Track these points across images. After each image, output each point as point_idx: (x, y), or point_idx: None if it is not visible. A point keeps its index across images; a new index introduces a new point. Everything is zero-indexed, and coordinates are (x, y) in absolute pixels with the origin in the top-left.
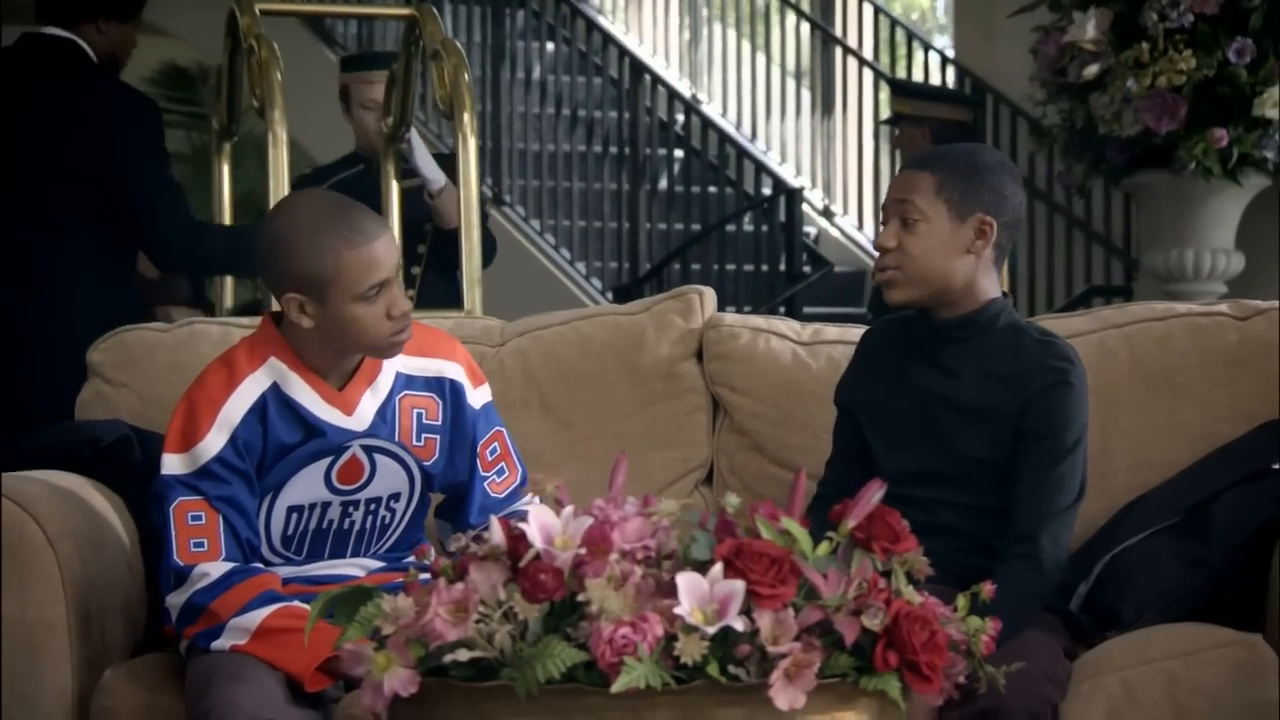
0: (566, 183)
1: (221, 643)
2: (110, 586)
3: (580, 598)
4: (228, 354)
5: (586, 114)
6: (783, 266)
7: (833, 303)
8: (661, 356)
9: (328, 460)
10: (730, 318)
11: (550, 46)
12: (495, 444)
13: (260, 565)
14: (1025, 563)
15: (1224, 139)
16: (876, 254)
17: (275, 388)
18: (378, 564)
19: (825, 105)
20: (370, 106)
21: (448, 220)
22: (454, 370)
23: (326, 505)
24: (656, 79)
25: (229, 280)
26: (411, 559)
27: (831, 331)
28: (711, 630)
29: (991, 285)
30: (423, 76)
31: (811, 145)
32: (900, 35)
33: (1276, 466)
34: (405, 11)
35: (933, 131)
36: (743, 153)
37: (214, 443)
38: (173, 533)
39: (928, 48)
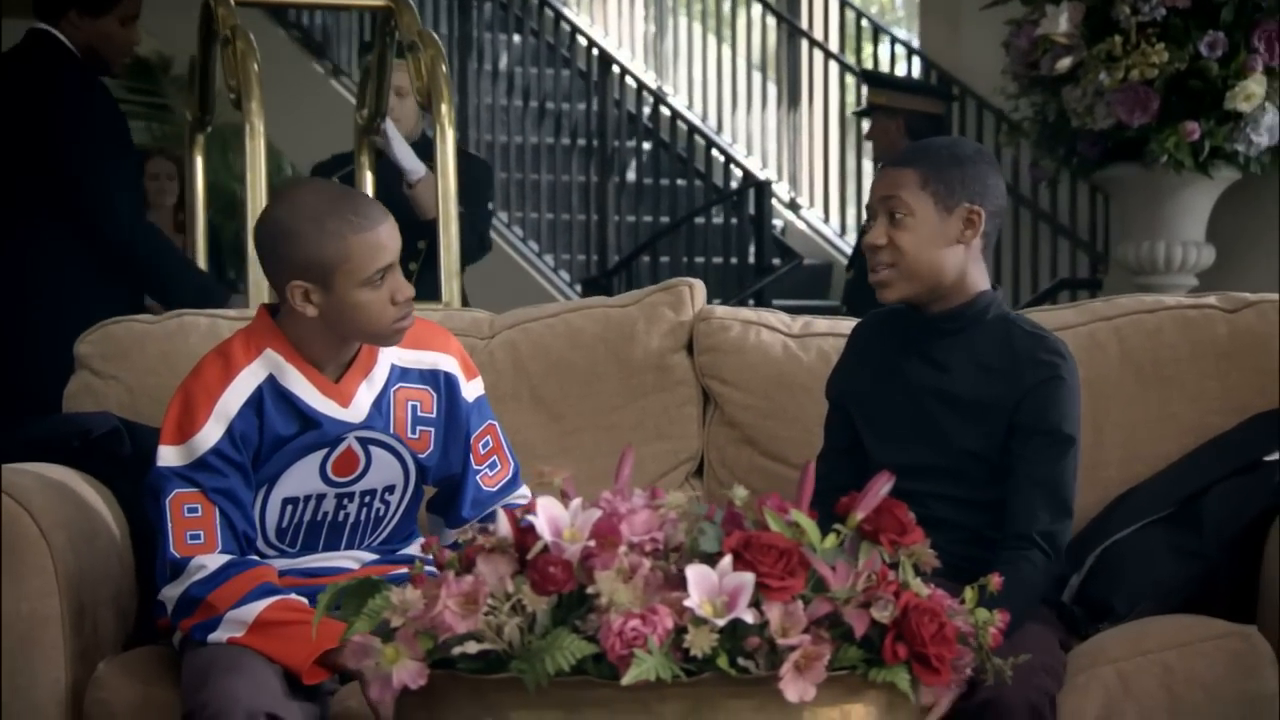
0: (535, 175)
1: (218, 635)
2: (102, 579)
3: (589, 590)
4: (223, 346)
5: (555, 106)
6: (752, 259)
7: (800, 295)
8: (652, 349)
9: (323, 452)
10: (721, 310)
11: (517, 39)
12: (488, 437)
13: (256, 558)
14: (1025, 556)
15: (1196, 132)
16: (851, 250)
17: (271, 379)
18: (372, 556)
19: (791, 98)
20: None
21: (426, 211)
22: (448, 363)
23: (321, 497)
24: (625, 71)
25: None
26: (405, 551)
27: (822, 324)
28: (721, 622)
29: (981, 277)
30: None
31: (778, 138)
32: (866, 28)
33: (1268, 458)
34: (380, 3)
35: (907, 124)
36: (712, 145)
37: (211, 435)
38: (169, 525)
39: (894, 40)
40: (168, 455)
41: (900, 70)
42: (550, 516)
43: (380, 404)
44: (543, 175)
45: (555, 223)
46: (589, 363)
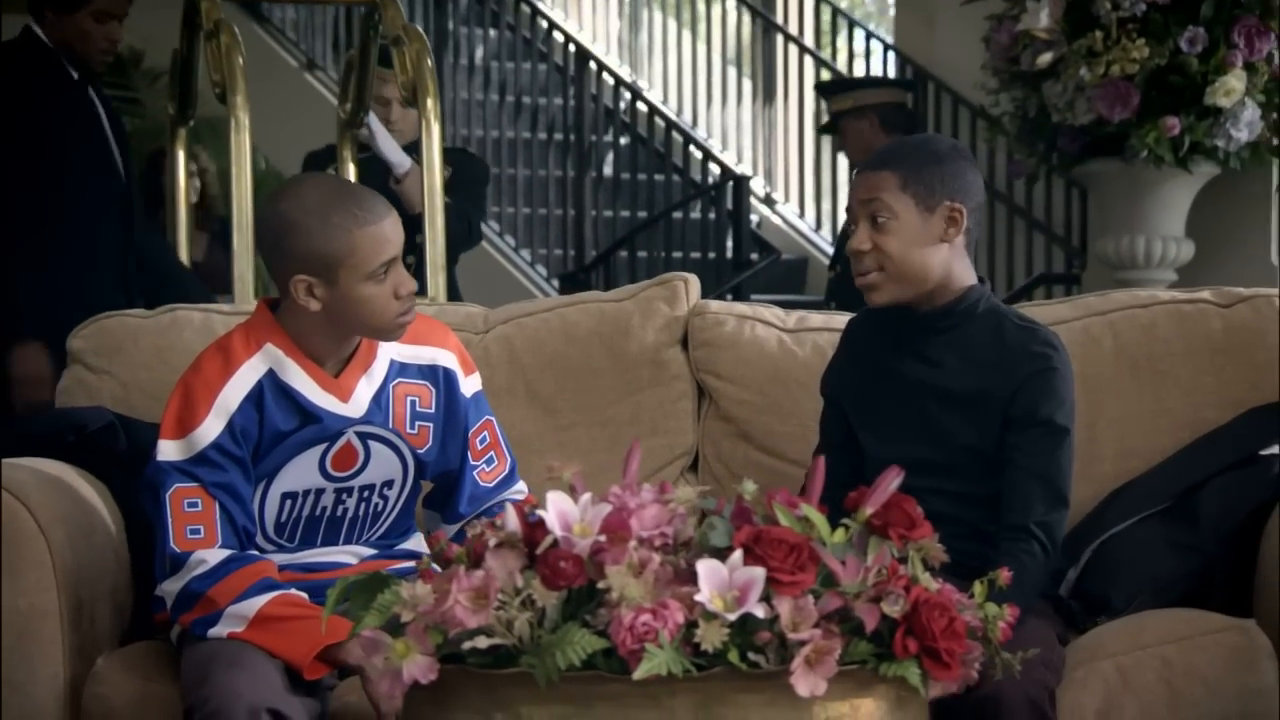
0: (511, 169)
1: (218, 630)
2: (99, 574)
3: (600, 585)
4: (223, 340)
5: (531, 101)
6: (729, 254)
7: (776, 290)
8: (647, 343)
9: (323, 447)
10: (715, 305)
11: (493, 33)
12: (485, 433)
13: (257, 553)
14: (1023, 549)
15: (1176, 127)
16: (832, 248)
17: (271, 374)
18: (370, 551)
19: (766, 93)
20: (381, 102)
21: (414, 205)
22: (447, 358)
23: (320, 492)
24: (602, 66)
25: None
26: (403, 546)
27: (816, 319)
28: (732, 617)
29: (967, 272)
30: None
31: (752, 133)
32: (842, 23)
33: (1264, 453)
34: None
35: (880, 118)
36: (689, 140)
37: (211, 429)
38: (169, 519)
39: (869, 35)
40: (167, 450)
41: (875, 66)
42: (560, 511)
43: (380, 399)
44: (519, 170)
45: (532, 217)
46: (584, 357)
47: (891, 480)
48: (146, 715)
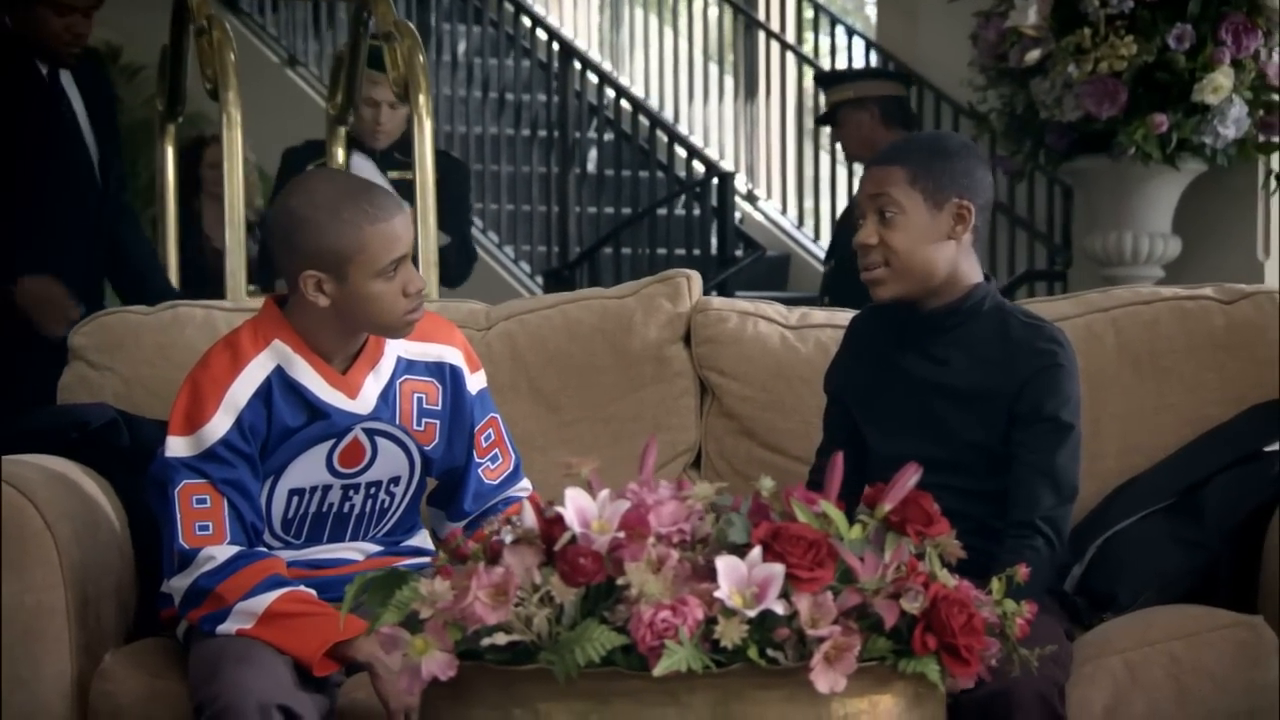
0: (494, 166)
1: (227, 626)
2: (105, 571)
3: (619, 581)
4: (231, 337)
5: (514, 97)
6: (714, 250)
7: (760, 287)
8: (650, 340)
9: (330, 443)
10: (718, 301)
11: (476, 29)
12: (490, 430)
13: (265, 549)
14: (1029, 544)
15: (1164, 124)
16: (818, 241)
17: (280, 370)
18: (376, 548)
19: (748, 90)
20: (370, 104)
21: None
22: (453, 355)
23: (327, 488)
24: (585, 62)
25: None
26: (408, 543)
27: (819, 315)
28: (752, 613)
29: (973, 270)
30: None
31: (734, 129)
32: (824, 20)
33: (1268, 449)
34: None
35: (881, 110)
36: (673, 136)
37: (220, 425)
38: (177, 515)
39: (851, 32)
40: (176, 446)
41: (857, 60)
42: (579, 507)
43: (387, 395)
44: (503, 166)
45: (516, 214)
46: (587, 354)
47: (910, 477)
48: (154, 712)
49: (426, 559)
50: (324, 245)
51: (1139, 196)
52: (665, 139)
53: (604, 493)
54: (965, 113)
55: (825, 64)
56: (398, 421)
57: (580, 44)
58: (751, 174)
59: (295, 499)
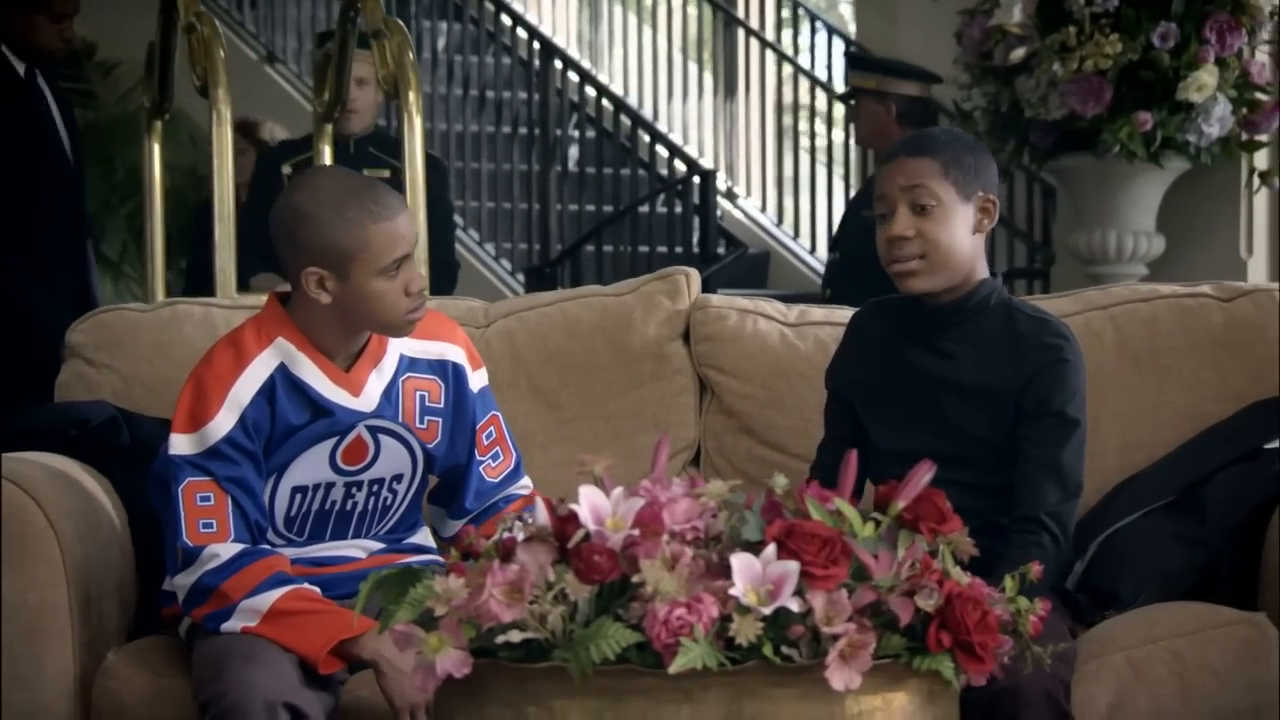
0: (475, 163)
1: (232, 624)
2: (106, 569)
3: (635, 579)
4: (234, 334)
5: (495, 94)
6: (696, 248)
7: (740, 284)
8: (649, 337)
9: (334, 441)
10: (717, 299)
11: (456, 26)
12: (491, 428)
13: (269, 547)
14: (1035, 540)
15: (1149, 122)
16: (790, 243)
17: (283, 368)
18: (378, 545)
19: (727, 87)
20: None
21: None
22: (456, 353)
23: (330, 486)
24: (566, 60)
25: None
26: (410, 540)
27: (818, 313)
28: (767, 611)
29: (982, 265)
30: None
31: (714, 127)
32: (803, 17)
33: (1268, 446)
34: None
35: (898, 107)
36: (654, 134)
37: (223, 423)
38: (181, 513)
39: (831, 31)
40: (180, 443)
41: (837, 60)
42: (592, 505)
43: (390, 393)
44: (483, 164)
45: (496, 211)
46: (586, 351)
47: (924, 474)
48: (158, 710)
49: (428, 556)
50: (327, 242)
51: (1123, 194)
52: (647, 137)
53: (618, 490)
54: (947, 112)
55: (805, 62)
56: (400, 419)
57: (559, 41)
58: (731, 172)
59: (298, 496)
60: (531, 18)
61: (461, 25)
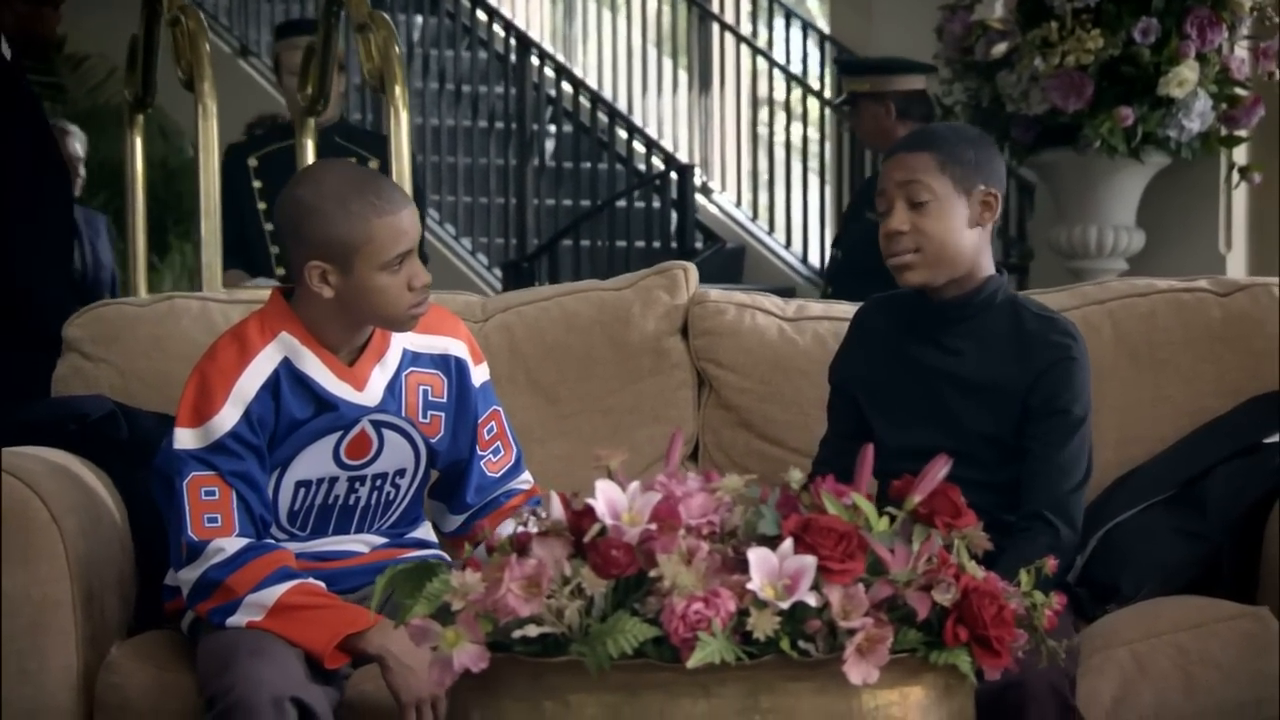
0: (451, 158)
1: (237, 619)
2: (108, 563)
3: (652, 573)
4: (238, 329)
5: (471, 89)
6: (674, 243)
7: (716, 279)
8: (648, 332)
9: (337, 435)
10: (715, 293)
11: (433, 20)
12: (492, 423)
13: (274, 541)
14: (1041, 537)
15: (1130, 117)
16: (766, 238)
17: (287, 363)
18: (381, 540)
19: (702, 82)
20: (288, 72)
21: None
22: (458, 348)
23: (334, 480)
24: (543, 54)
25: None
26: (412, 535)
27: (816, 308)
28: (784, 605)
29: (988, 261)
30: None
31: (689, 122)
32: (777, 11)
33: (1268, 441)
34: None
35: (896, 104)
36: (632, 129)
37: (228, 418)
38: (186, 507)
39: (807, 26)
40: (184, 438)
41: (812, 54)
42: (609, 499)
43: (393, 388)
44: (459, 158)
45: (473, 206)
46: (585, 346)
47: (939, 469)
48: (162, 704)
49: (430, 551)
50: (330, 236)
51: (1104, 189)
52: (623, 132)
53: (634, 484)
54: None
55: (779, 56)
56: (404, 414)
57: (533, 35)
58: (706, 167)
59: (302, 491)
60: (506, 11)
61: (437, 19)
